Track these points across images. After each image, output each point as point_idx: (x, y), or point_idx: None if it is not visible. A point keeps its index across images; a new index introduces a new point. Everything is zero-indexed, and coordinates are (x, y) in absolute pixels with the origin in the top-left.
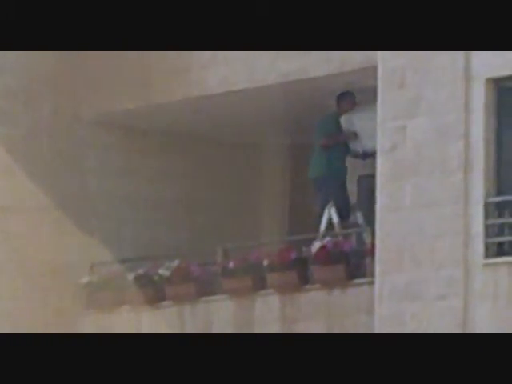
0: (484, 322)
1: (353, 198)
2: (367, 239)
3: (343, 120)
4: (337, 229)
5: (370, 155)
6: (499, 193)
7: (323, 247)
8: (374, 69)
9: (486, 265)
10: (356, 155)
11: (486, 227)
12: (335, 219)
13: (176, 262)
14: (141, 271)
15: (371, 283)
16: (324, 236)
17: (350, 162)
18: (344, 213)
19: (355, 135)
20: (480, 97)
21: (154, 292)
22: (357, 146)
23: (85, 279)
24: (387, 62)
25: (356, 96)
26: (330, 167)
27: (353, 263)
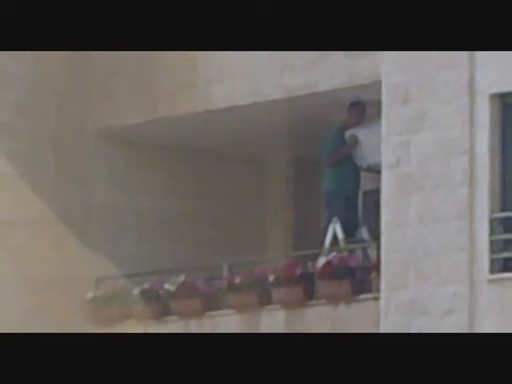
0: None
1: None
2: (372, 254)
3: (348, 135)
4: (341, 244)
5: (374, 170)
6: (504, 208)
7: (329, 262)
8: (379, 84)
9: (491, 280)
10: (362, 169)
11: (492, 243)
12: (340, 235)
13: (181, 277)
14: (146, 286)
15: (377, 299)
16: (329, 251)
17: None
18: (350, 228)
19: (356, 140)
20: (484, 112)
21: (160, 307)
22: (361, 161)
23: (90, 294)
24: (391, 77)
25: (365, 107)
26: (336, 182)
27: (358, 278)
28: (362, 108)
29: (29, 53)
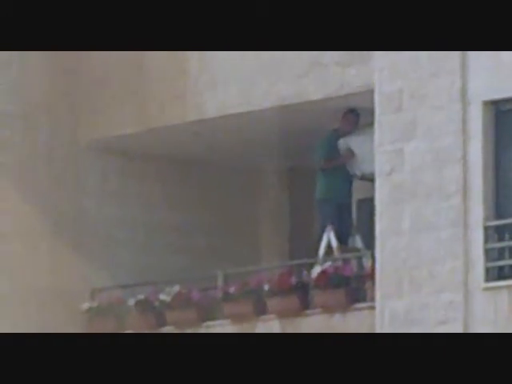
0: None
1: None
2: (367, 263)
3: (341, 143)
4: (335, 253)
5: (369, 178)
6: (498, 216)
7: (324, 272)
8: (372, 92)
9: (486, 289)
10: (357, 177)
11: (486, 251)
12: (334, 243)
13: (176, 288)
14: (141, 297)
15: (372, 308)
16: (324, 261)
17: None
18: (342, 236)
19: (352, 153)
20: (477, 119)
21: (155, 317)
22: (355, 170)
23: (85, 305)
24: (384, 86)
25: (359, 115)
26: (329, 190)
27: (353, 288)
28: (357, 116)
29: (18, 65)
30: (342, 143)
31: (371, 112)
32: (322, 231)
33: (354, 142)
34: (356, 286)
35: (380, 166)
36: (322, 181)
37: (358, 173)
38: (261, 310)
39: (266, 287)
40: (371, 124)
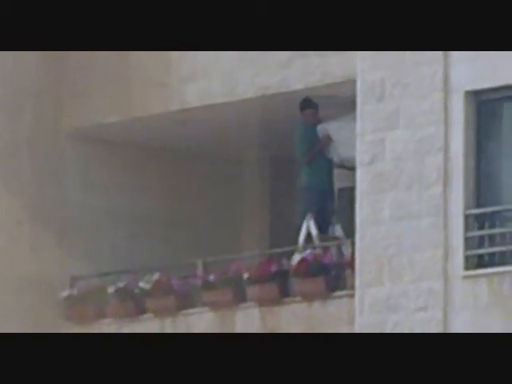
0: None
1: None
2: (347, 252)
3: (320, 129)
4: (315, 241)
5: (347, 166)
6: (479, 205)
7: (303, 260)
8: (354, 82)
9: (465, 277)
10: (335, 164)
11: (466, 239)
12: (313, 231)
13: (156, 275)
14: (121, 284)
15: (351, 296)
16: (304, 249)
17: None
18: (323, 224)
19: (330, 138)
20: (459, 109)
21: (135, 305)
22: (333, 156)
23: (65, 293)
24: (366, 75)
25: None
26: (310, 178)
27: (333, 276)
28: (312, 108)
29: (2, 53)
30: (321, 129)
31: (354, 101)
32: (303, 219)
33: (332, 129)
34: (336, 274)
35: (361, 155)
36: (305, 169)
37: (337, 159)
38: (240, 298)
39: (246, 275)
40: (350, 111)
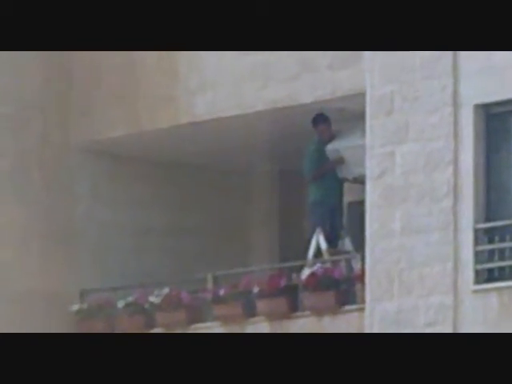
0: None
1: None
2: (356, 266)
3: (329, 149)
4: (325, 255)
5: (360, 181)
6: (488, 219)
7: (313, 274)
8: (363, 95)
9: (475, 291)
10: (348, 181)
11: (476, 253)
12: (323, 246)
13: (166, 290)
14: (131, 299)
15: (361, 310)
16: (314, 263)
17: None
18: (332, 238)
19: (342, 159)
20: (468, 123)
21: (145, 320)
22: (346, 174)
23: (75, 307)
24: (376, 89)
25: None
26: (320, 193)
27: (343, 290)
28: (326, 123)
29: (9, 66)
30: (331, 149)
31: (363, 115)
32: (312, 233)
33: (343, 147)
34: (345, 289)
35: (371, 169)
36: (314, 185)
37: (350, 177)
38: (250, 312)
39: (256, 289)
40: (358, 127)
